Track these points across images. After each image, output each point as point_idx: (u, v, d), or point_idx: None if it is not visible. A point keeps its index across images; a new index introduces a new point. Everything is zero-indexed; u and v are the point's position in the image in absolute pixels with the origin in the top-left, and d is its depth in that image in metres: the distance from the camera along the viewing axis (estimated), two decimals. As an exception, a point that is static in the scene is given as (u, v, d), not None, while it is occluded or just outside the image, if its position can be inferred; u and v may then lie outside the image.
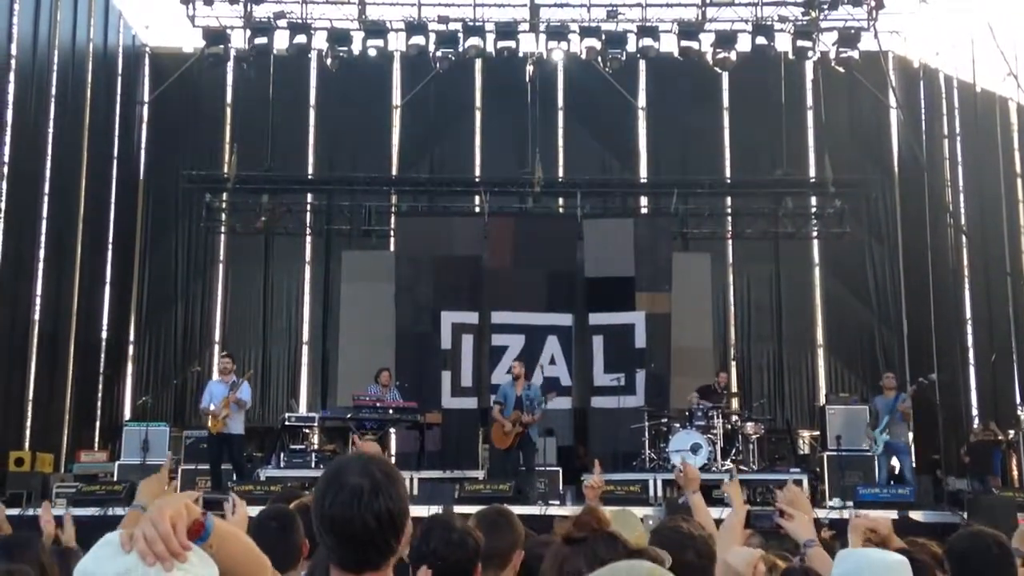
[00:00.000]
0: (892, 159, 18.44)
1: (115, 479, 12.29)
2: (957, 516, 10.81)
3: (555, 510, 10.67)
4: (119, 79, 17.77)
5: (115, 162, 17.59)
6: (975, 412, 16.41)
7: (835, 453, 12.88)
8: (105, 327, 17.04)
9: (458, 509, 8.90)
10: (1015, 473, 13.93)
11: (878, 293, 17.75)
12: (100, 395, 16.81)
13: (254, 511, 3.35)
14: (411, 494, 12.18)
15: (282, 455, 13.31)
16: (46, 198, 15.34)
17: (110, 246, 17.30)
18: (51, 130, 15.44)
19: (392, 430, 14.02)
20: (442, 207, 17.56)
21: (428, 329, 15.33)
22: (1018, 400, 16.08)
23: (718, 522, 3.83)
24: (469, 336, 15.23)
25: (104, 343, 17.01)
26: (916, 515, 10.47)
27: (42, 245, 15.14)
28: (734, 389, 16.94)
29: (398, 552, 2.20)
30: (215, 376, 13.24)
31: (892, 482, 12.55)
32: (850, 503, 11.57)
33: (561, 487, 12.43)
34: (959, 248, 17.53)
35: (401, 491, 2.17)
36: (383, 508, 2.11)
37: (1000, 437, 14.71)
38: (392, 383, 14.03)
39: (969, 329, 17.28)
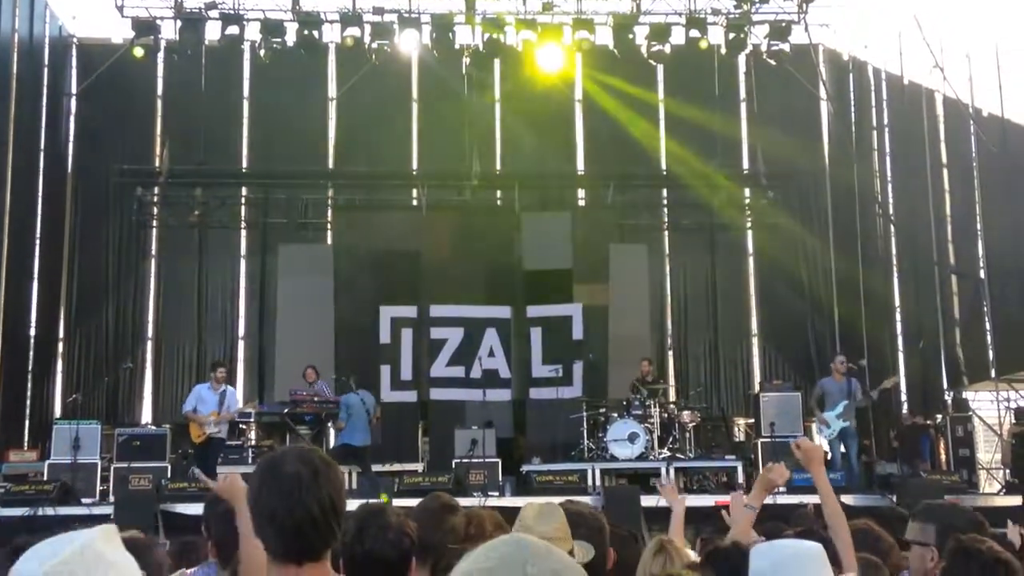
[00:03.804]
0: (823, 151, 18.73)
1: (45, 478, 12.05)
2: (887, 500, 11.11)
3: (494, 501, 10.73)
4: (46, 71, 17.35)
5: (42, 155, 17.15)
6: (904, 398, 16.80)
7: (769, 439, 13.09)
8: (33, 324, 16.63)
9: (397, 502, 8.91)
10: (943, 457, 14.31)
11: (810, 282, 18.00)
12: (29, 393, 16.38)
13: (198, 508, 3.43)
14: (350, 488, 12.17)
15: (218, 451, 13.17)
16: (-30, 193, 14.94)
17: (38, 241, 16.86)
18: (-26, 123, 15.05)
19: (330, 424, 13.96)
20: (380, 200, 17.43)
21: (367, 323, 15.27)
22: (945, 386, 16.52)
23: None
24: (408, 330, 15.21)
25: (32, 340, 16.60)
26: (847, 499, 10.69)
27: (-33, 241, 14.75)
28: (671, 380, 17.18)
29: (338, 538, 2.21)
30: (206, 383, 12.94)
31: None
32: (783, 489, 11.80)
33: (500, 478, 12.48)
34: (887, 237, 17.94)
35: (339, 475, 2.22)
36: (325, 494, 2.13)
37: (928, 422, 15.12)
38: (317, 379, 13.97)
39: (898, 316, 17.69)
